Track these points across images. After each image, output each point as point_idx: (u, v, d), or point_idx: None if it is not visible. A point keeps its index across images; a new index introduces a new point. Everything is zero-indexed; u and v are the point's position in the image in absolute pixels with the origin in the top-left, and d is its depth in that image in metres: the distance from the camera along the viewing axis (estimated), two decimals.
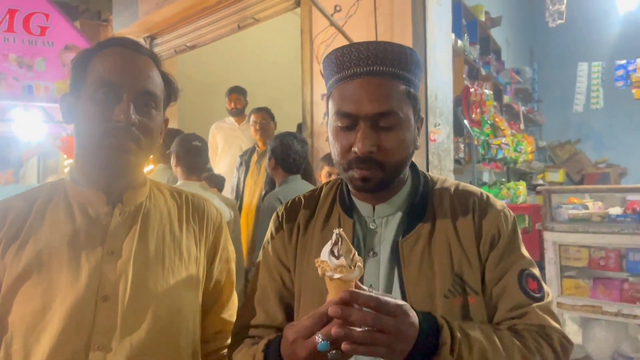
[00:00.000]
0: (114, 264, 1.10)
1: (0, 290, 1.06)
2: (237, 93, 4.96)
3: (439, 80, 3.35)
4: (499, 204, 1.16)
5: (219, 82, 5.71)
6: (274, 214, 1.27)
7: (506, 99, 6.35)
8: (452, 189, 1.17)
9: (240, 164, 4.33)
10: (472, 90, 4.33)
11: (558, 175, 7.15)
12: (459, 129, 4.06)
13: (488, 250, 1.09)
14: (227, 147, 4.95)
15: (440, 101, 3.36)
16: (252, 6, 4.24)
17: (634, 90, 5.27)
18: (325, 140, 2.27)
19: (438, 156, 3.32)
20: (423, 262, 1.07)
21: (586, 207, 3.29)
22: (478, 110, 4.41)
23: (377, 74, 1.04)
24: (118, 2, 5.36)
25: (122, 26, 5.32)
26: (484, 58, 5.54)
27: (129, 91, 1.10)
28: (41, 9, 3.80)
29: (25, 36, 3.73)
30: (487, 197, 1.17)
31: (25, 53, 3.72)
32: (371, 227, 1.13)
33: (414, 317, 0.90)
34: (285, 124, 4.79)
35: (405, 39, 3.22)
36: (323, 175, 3.26)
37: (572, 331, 3.51)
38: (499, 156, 4.69)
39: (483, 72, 5.35)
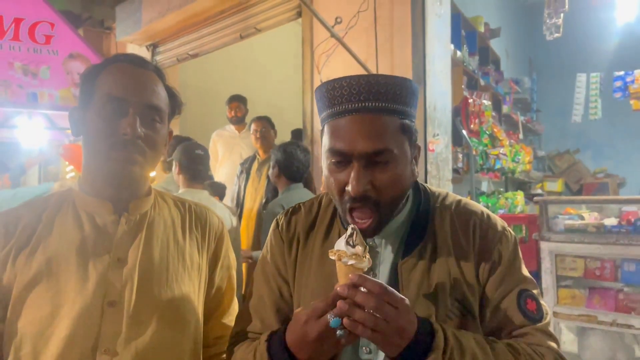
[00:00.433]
0: (120, 271, 1.14)
1: (10, 296, 1.10)
2: (237, 101, 5.01)
3: (438, 90, 3.40)
4: (499, 224, 1.15)
5: (221, 90, 5.76)
6: (274, 222, 1.27)
7: (505, 109, 6.39)
8: (453, 207, 1.15)
9: (241, 172, 4.37)
10: (470, 100, 4.37)
11: (557, 185, 7.18)
12: (457, 139, 4.10)
13: (488, 275, 1.09)
14: (228, 154, 4.99)
15: (439, 111, 3.40)
16: (254, 16, 4.30)
17: (632, 101, 5.33)
18: None
19: (437, 166, 3.36)
20: (422, 285, 1.07)
21: (582, 218, 3.33)
22: (476, 120, 4.45)
23: (369, 110, 1.01)
24: (121, 11, 5.40)
25: (125, 34, 5.36)
26: (483, 68, 5.58)
27: (135, 105, 1.14)
28: (46, 17, 3.85)
29: (30, 44, 3.78)
30: (488, 217, 1.15)
31: (30, 61, 3.77)
32: (371, 244, 1.12)
33: (414, 315, 0.95)
34: (286, 132, 4.84)
35: (404, 50, 3.27)
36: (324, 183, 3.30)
37: (569, 340, 3.54)
38: (497, 166, 4.73)
39: (482, 82, 5.38)
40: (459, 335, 0.98)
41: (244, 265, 3.41)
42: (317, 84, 3.68)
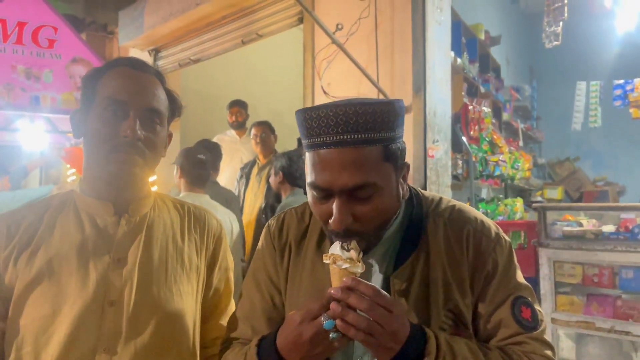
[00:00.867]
0: (120, 271, 1.16)
1: (12, 296, 1.11)
2: (238, 106, 5.03)
3: (438, 97, 3.41)
4: (494, 230, 1.12)
5: (222, 95, 5.78)
6: (265, 227, 1.26)
7: (505, 116, 6.41)
8: (447, 215, 1.12)
9: (241, 177, 4.39)
10: (470, 107, 4.39)
11: (557, 193, 7.17)
12: (457, 146, 4.11)
13: (482, 285, 1.08)
14: (228, 159, 5.00)
15: (439, 118, 3.42)
16: (256, 22, 4.32)
17: (631, 110, 5.33)
18: None
19: (436, 172, 3.37)
20: (414, 296, 1.06)
21: (580, 225, 3.34)
22: (476, 127, 4.47)
23: (348, 144, 0.95)
24: (124, 15, 5.43)
25: (128, 39, 5.39)
26: (483, 76, 5.60)
27: (135, 108, 1.16)
28: (50, 22, 3.89)
29: (33, 48, 3.81)
30: (482, 223, 1.12)
31: (33, 65, 3.80)
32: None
33: (406, 320, 0.95)
34: (287, 137, 4.86)
35: (405, 57, 3.30)
36: None
37: (567, 347, 3.54)
38: (497, 173, 4.74)
39: (482, 89, 5.40)
40: (451, 341, 0.99)
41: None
42: (317, 89, 3.70)
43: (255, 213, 4.05)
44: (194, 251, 1.30)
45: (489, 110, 4.87)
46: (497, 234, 1.12)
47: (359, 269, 0.97)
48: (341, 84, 3.58)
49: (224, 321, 1.35)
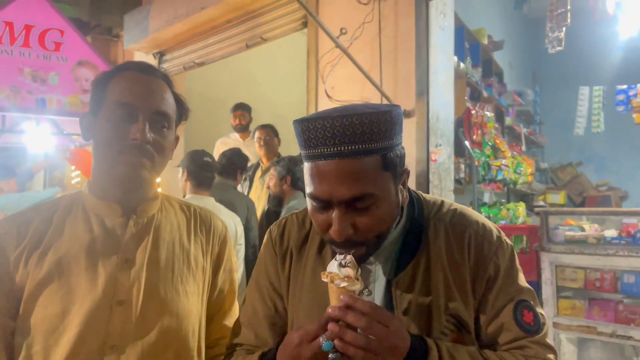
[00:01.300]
0: (128, 272, 1.18)
1: (23, 295, 1.13)
2: (241, 109, 5.05)
3: (441, 101, 3.43)
4: (495, 233, 1.12)
5: (226, 98, 5.81)
6: (267, 233, 1.26)
7: (508, 120, 6.42)
8: (448, 219, 1.12)
9: (244, 180, 4.40)
10: (473, 112, 4.40)
11: (559, 197, 7.17)
12: (460, 150, 4.13)
13: (484, 289, 1.08)
14: None
15: (442, 122, 3.44)
16: (261, 26, 4.35)
17: (634, 115, 5.33)
18: None
19: (439, 176, 3.39)
20: (416, 301, 1.06)
21: (583, 229, 3.34)
22: (479, 131, 4.49)
23: (346, 155, 0.94)
24: (129, 19, 5.46)
25: (133, 42, 5.42)
26: (486, 80, 5.62)
27: (144, 112, 1.18)
28: (56, 25, 3.92)
29: (40, 51, 3.85)
30: (484, 227, 1.12)
31: (39, 67, 3.83)
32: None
33: (406, 333, 0.95)
34: (290, 141, 4.87)
35: (408, 61, 3.32)
36: None
37: (569, 351, 3.54)
38: (499, 177, 4.75)
39: (485, 94, 5.41)
40: (452, 350, 0.99)
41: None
42: (321, 93, 3.72)
43: (258, 216, 4.07)
44: (200, 252, 1.32)
45: (492, 114, 4.89)
46: (499, 238, 1.12)
47: (357, 286, 0.97)
48: (345, 88, 3.60)
49: (228, 322, 1.37)
